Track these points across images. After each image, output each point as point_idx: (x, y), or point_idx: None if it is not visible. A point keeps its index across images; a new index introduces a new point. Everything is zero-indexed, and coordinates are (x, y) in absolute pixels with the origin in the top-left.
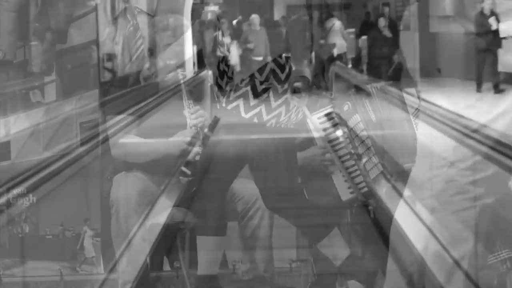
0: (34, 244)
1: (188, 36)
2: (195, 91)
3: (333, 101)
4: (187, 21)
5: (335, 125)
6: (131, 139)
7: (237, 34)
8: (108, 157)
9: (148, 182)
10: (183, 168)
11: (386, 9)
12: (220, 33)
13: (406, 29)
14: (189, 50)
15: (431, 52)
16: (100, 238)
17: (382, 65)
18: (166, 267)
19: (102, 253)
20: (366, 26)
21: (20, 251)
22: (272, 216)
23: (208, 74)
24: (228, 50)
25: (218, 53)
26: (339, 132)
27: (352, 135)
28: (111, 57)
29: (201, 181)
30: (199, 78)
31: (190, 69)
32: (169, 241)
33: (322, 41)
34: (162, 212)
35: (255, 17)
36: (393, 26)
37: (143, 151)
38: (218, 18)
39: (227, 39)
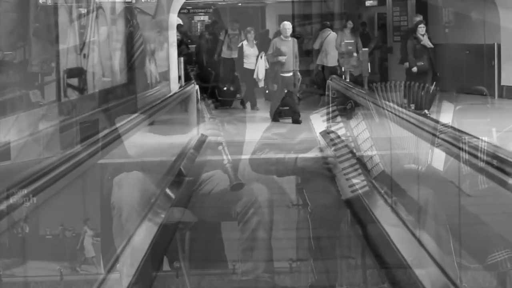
0: (34, 244)
1: (173, 47)
2: (182, 105)
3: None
4: (171, 31)
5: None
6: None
7: (264, 44)
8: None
9: (149, 182)
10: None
11: (419, 18)
12: (245, 43)
13: (404, 39)
14: (174, 63)
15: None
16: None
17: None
18: (166, 267)
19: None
20: (364, 37)
21: (20, 251)
22: (272, 216)
23: (195, 88)
24: (255, 63)
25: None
26: (341, 131)
27: (354, 133)
28: (77, 72)
29: None
30: (186, 93)
31: (175, 83)
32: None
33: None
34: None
35: (287, 24)
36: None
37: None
38: (226, 30)
39: (254, 50)
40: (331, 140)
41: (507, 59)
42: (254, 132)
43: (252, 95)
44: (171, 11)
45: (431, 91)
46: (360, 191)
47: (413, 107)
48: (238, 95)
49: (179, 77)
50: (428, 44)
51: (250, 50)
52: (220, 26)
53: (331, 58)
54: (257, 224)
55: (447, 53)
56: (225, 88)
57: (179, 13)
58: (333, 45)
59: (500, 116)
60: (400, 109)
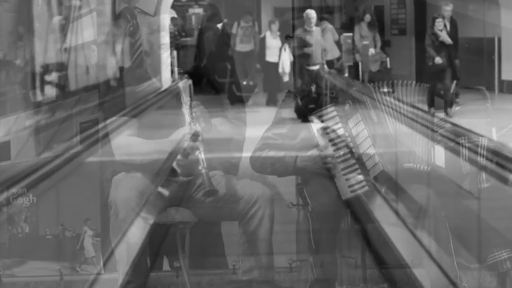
0: (34, 244)
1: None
2: (174, 101)
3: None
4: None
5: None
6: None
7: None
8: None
9: (147, 182)
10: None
11: (448, 8)
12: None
13: (402, 34)
14: (166, 56)
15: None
16: (100, 238)
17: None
18: (166, 267)
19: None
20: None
21: (20, 251)
22: (273, 216)
23: (188, 83)
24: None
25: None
26: (340, 131)
27: (353, 133)
28: (56, 68)
29: None
30: (177, 88)
31: (167, 78)
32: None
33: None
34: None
35: (311, 13)
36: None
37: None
38: (238, 22)
39: (277, 42)
40: (331, 140)
41: (507, 53)
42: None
43: (271, 90)
44: (162, 10)
45: (451, 91)
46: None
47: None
48: (256, 89)
49: (172, 72)
50: (447, 40)
51: (273, 42)
52: (219, 19)
53: (328, 53)
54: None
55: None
56: (244, 83)
57: (173, 6)
58: (331, 38)
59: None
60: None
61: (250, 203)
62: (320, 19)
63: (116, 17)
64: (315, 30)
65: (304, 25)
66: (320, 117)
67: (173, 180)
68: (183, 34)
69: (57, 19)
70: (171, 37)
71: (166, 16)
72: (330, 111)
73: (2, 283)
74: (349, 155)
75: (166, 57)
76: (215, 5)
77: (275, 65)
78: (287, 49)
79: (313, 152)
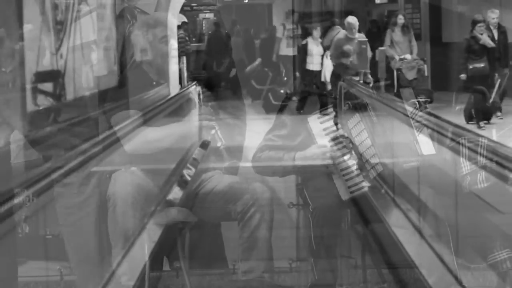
0: (34, 244)
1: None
2: (184, 109)
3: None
4: (170, 31)
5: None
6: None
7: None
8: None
9: (146, 179)
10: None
11: (494, 16)
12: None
13: (417, 39)
14: (174, 63)
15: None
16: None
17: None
18: (166, 267)
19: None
20: (373, 36)
21: (20, 251)
22: (272, 215)
23: (196, 90)
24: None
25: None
26: (340, 132)
27: (353, 133)
28: (50, 76)
29: None
30: (186, 95)
31: (174, 84)
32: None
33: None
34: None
35: (353, 20)
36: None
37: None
38: (284, 24)
39: (319, 48)
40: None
41: None
42: None
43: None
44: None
45: (491, 98)
46: None
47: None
48: (294, 98)
49: (180, 78)
50: (489, 43)
51: (315, 49)
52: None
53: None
54: (258, 224)
55: (461, 52)
56: (281, 91)
57: (184, 10)
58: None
59: None
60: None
61: (249, 203)
62: (332, 24)
63: (117, 16)
64: (357, 37)
65: (347, 33)
66: (319, 118)
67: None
68: (194, 39)
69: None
70: (181, 43)
71: (173, 20)
72: (330, 111)
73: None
74: (349, 156)
75: (175, 62)
76: (224, 9)
77: (313, 73)
78: (329, 57)
79: (313, 152)
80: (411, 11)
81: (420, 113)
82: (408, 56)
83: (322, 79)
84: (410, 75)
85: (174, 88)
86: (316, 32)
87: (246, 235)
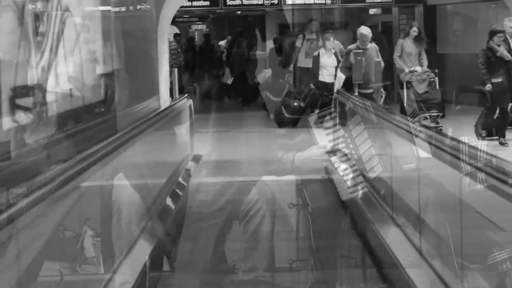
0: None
1: (164, 59)
2: (174, 122)
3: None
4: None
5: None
6: None
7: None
8: None
9: (149, 182)
10: None
11: (510, 24)
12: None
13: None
14: (164, 75)
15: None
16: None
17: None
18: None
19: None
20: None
21: None
22: (274, 216)
23: (188, 103)
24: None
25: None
26: (340, 132)
27: (353, 134)
28: (29, 90)
29: None
30: (178, 108)
31: (165, 98)
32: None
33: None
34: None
35: (364, 30)
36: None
37: None
38: (304, 34)
39: (332, 60)
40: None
41: None
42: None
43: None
44: (162, 18)
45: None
46: None
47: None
48: (316, 110)
49: (171, 90)
50: (507, 56)
51: (328, 60)
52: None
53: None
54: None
55: (456, 63)
56: (295, 104)
57: (176, 22)
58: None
59: None
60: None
61: (251, 203)
62: (325, 33)
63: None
64: (370, 47)
65: (358, 43)
66: (320, 118)
67: None
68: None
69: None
70: (173, 54)
71: (166, 30)
72: (330, 112)
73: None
74: (348, 156)
75: (166, 74)
76: (216, 20)
77: (326, 85)
78: (340, 68)
79: (313, 152)
80: (406, 21)
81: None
82: (418, 69)
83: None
84: (421, 88)
85: (164, 101)
86: (329, 43)
87: (248, 235)
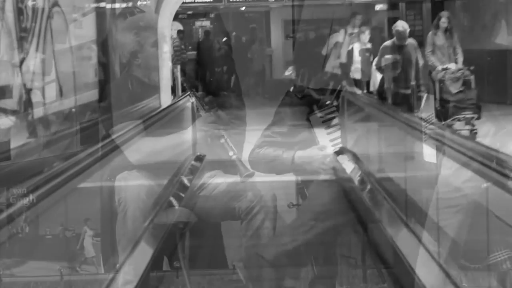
0: (34, 244)
1: (166, 55)
2: (177, 120)
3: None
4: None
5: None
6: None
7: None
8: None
9: (153, 180)
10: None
11: None
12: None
13: (419, 46)
14: (165, 72)
15: None
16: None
17: None
18: (166, 267)
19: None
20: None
21: (20, 251)
22: (275, 215)
23: (191, 101)
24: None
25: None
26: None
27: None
28: (11, 90)
29: None
30: (179, 107)
31: (166, 95)
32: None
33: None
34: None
35: (401, 24)
36: None
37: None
38: (345, 29)
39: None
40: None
41: None
42: None
43: None
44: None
45: None
46: None
47: None
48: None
49: (173, 88)
50: None
51: (363, 56)
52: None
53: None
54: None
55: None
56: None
57: (179, 18)
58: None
59: None
60: None
61: (252, 203)
62: (332, 31)
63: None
64: (409, 44)
65: (394, 39)
66: (321, 117)
67: None
68: (190, 47)
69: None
70: (176, 51)
71: (166, 26)
72: (332, 111)
73: (2, 283)
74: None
75: (167, 72)
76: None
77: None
78: (374, 66)
79: (312, 150)
80: (413, 17)
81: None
82: (452, 66)
83: (371, 89)
84: (455, 87)
85: (166, 99)
86: (364, 37)
87: (249, 234)
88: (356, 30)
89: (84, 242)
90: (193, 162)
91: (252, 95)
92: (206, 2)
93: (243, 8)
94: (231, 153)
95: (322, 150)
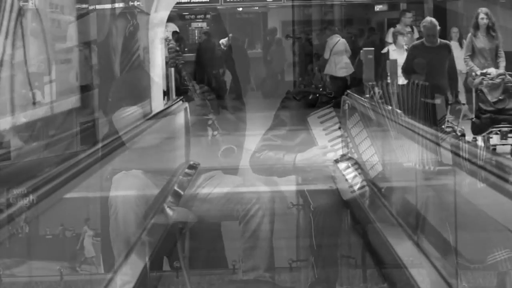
0: (34, 244)
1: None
2: (169, 125)
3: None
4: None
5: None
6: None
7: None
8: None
9: (148, 181)
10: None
11: None
12: None
13: None
14: (157, 75)
15: None
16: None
17: None
18: (166, 267)
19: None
20: (372, 45)
21: (20, 251)
22: (273, 216)
23: (184, 106)
24: None
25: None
26: (339, 132)
27: (353, 133)
28: None
29: None
30: (171, 113)
31: (158, 100)
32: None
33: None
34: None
35: (429, 22)
36: None
37: None
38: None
39: (403, 58)
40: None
41: None
42: None
43: None
44: (154, 11)
45: None
46: None
47: None
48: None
49: (165, 93)
50: None
51: (400, 58)
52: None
53: (340, 68)
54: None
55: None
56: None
57: (175, 19)
58: (344, 53)
59: None
60: None
61: (250, 203)
62: (331, 32)
63: (130, 25)
64: (441, 45)
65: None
66: (319, 118)
67: None
68: (185, 49)
69: None
70: (171, 53)
71: (159, 27)
72: (329, 111)
73: (2, 283)
74: (348, 155)
75: (159, 75)
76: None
77: None
78: (401, 69)
79: (314, 153)
80: (414, 18)
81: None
82: (491, 70)
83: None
84: (493, 95)
85: (157, 104)
86: (401, 38)
87: (247, 235)
88: (408, 29)
89: (84, 242)
90: (186, 170)
91: (275, 96)
92: (202, 2)
93: (240, 9)
94: (215, 133)
95: (322, 150)
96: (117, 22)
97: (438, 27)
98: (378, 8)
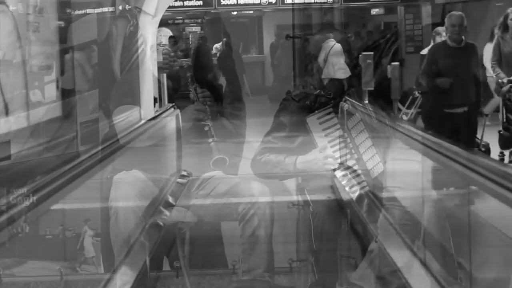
0: (34, 244)
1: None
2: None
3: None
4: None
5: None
6: None
7: None
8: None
9: (148, 182)
10: None
11: None
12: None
13: (418, 51)
14: (147, 81)
15: None
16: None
17: None
18: (166, 267)
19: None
20: (371, 50)
21: (20, 251)
22: (273, 216)
23: (175, 113)
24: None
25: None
26: (339, 132)
27: (353, 133)
28: None
29: None
30: (161, 121)
31: (149, 107)
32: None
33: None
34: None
35: (457, 21)
36: None
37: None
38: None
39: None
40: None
41: None
42: None
43: None
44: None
45: None
46: None
47: None
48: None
49: (156, 99)
50: None
51: None
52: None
53: (339, 69)
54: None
55: None
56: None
57: (169, 24)
58: (341, 56)
59: None
60: None
61: (251, 203)
62: (325, 37)
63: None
64: (468, 47)
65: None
66: (318, 119)
67: None
68: (180, 53)
69: None
70: (165, 58)
71: (150, 33)
72: (328, 112)
73: (2, 283)
74: (348, 156)
75: (149, 81)
76: (211, 22)
77: None
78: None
79: (314, 156)
80: (412, 21)
81: None
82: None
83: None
84: None
85: (147, 111)
86: (439, 39)
87: (247, 235)
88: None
89: (84, 242)
90: (178, 180)
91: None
92: (195, 6)
93: (234, 13)
94: (210, 140)
95: (322, 151)
96: (117, 23)
97: (465, 24)
98: (374, 11)
